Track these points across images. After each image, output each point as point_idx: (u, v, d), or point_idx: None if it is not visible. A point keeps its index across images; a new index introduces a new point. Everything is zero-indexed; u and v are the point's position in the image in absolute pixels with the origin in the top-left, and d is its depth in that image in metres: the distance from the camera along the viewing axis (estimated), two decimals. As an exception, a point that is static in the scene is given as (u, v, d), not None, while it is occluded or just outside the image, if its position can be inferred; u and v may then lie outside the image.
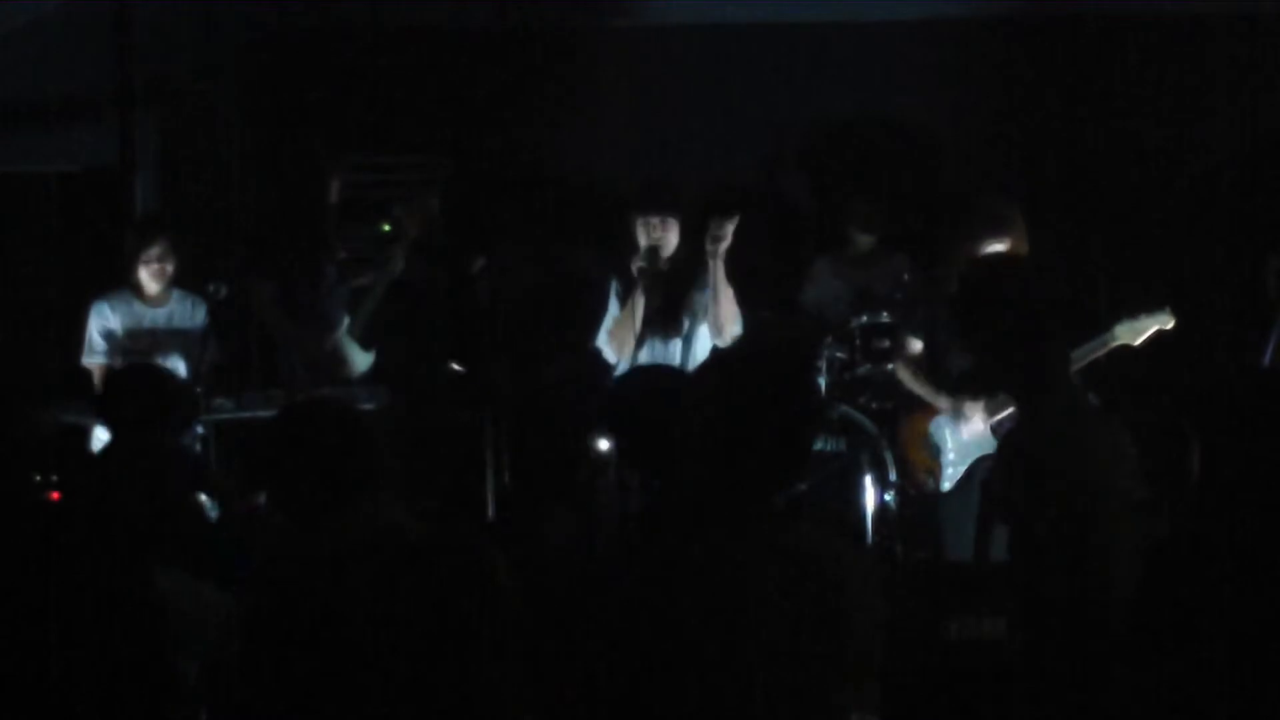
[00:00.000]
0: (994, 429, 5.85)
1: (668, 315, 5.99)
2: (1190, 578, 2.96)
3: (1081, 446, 3.92)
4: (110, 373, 6.03)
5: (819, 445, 6.79)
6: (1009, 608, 4.24)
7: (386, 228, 7.48)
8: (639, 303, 5.94)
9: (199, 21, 7.69)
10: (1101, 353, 5.74)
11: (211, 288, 6.19)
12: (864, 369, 7.11)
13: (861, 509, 6.66)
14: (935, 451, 5.95)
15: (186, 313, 6.34)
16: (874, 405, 6.96)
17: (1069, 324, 3.92)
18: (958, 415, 5.89)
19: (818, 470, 6.64)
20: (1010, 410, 5.79)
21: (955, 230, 5.89)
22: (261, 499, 5.17)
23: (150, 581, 3.09)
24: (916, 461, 6.08)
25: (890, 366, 6.81)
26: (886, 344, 6.83)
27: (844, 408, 6.96)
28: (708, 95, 7.93)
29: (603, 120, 7.91)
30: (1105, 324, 5.73)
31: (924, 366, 6.06)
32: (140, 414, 5.11)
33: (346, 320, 6.76)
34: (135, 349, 6.27)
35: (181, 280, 6.39)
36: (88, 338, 6.26)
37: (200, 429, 6.10)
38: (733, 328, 6.06)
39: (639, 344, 5.96)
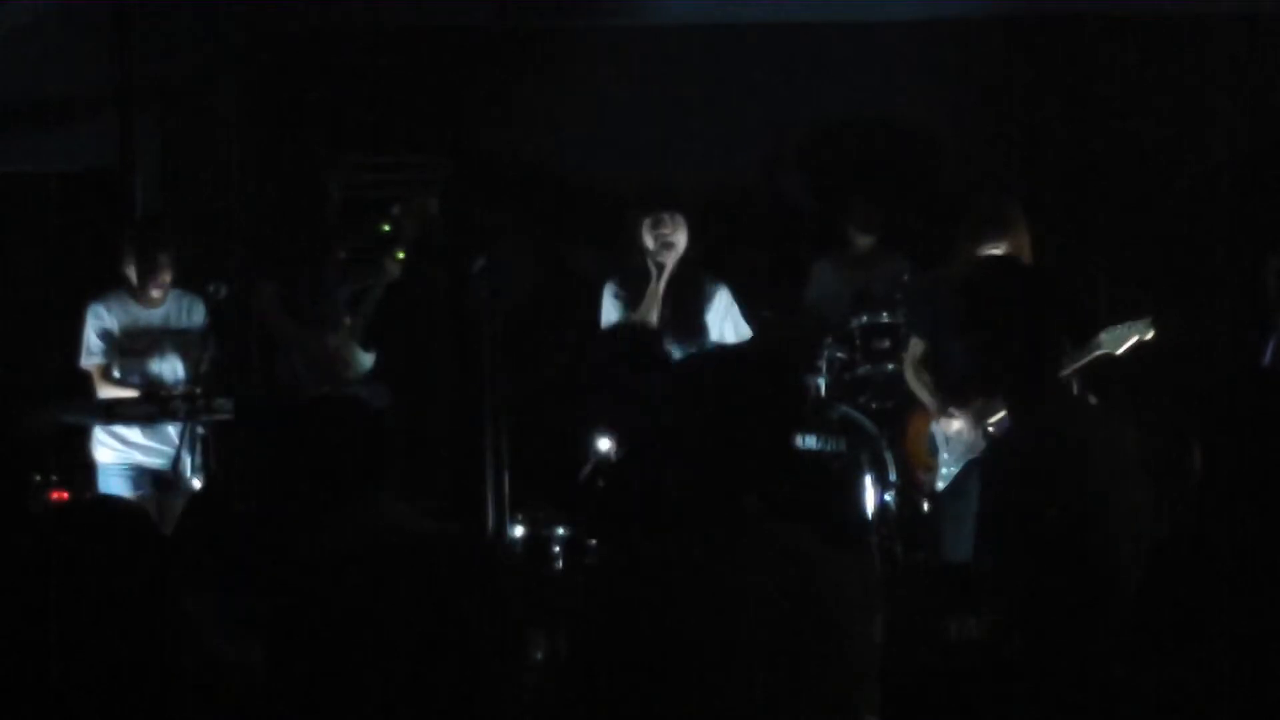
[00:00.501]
0: (989, 429, 5.86)
1: (686, 317, 5.96)
2: (1190, 578, 2.96)
3: (1078, 449, 3.91)
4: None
5: (819, 445, 6.79)
6: (1007, 609, 4.23)
7: (386, 228, 7.47)
8: (655, 301, 5.90)
9: (199, 21, 7.69)
10: (1085, 361, 5.75)
11: (211, 288, 6.19)
12: (864, 369, 7.11)
13: (861, 509, 6.67)
14: (934, 449, 5.96)
15: (183, 313, 6.33)
16: (874, 405, 6.96)
17: (1067, 325, 3.90)
18: (946, 418, 5.90)
19: (817, 470, 6.63)
20: (1001, 412, 5.81)
21: (956, 230, 5.89)
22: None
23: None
24: (918, 460, 6.08)
25: (890, 367, 6.82)
26: (886, 344, 6.84)
27: (844, 408, 6.96)
28: (708, 95, 7.93)
29: (603, 120, 7.91)
30: (1091, 332, 5.75)
31: (927, 367, 6.07)
32: None
33: (347, 320, 6.76)
34: (132, 350, 6.27)
35: (181, 280, 6.39)
36: (85, 339, 6.26)
37: (200, 429, 6.10)
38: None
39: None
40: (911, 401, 6.17)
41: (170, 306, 6.33)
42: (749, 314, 6.27)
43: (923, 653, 4.47)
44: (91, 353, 6.26)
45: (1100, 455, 3.94)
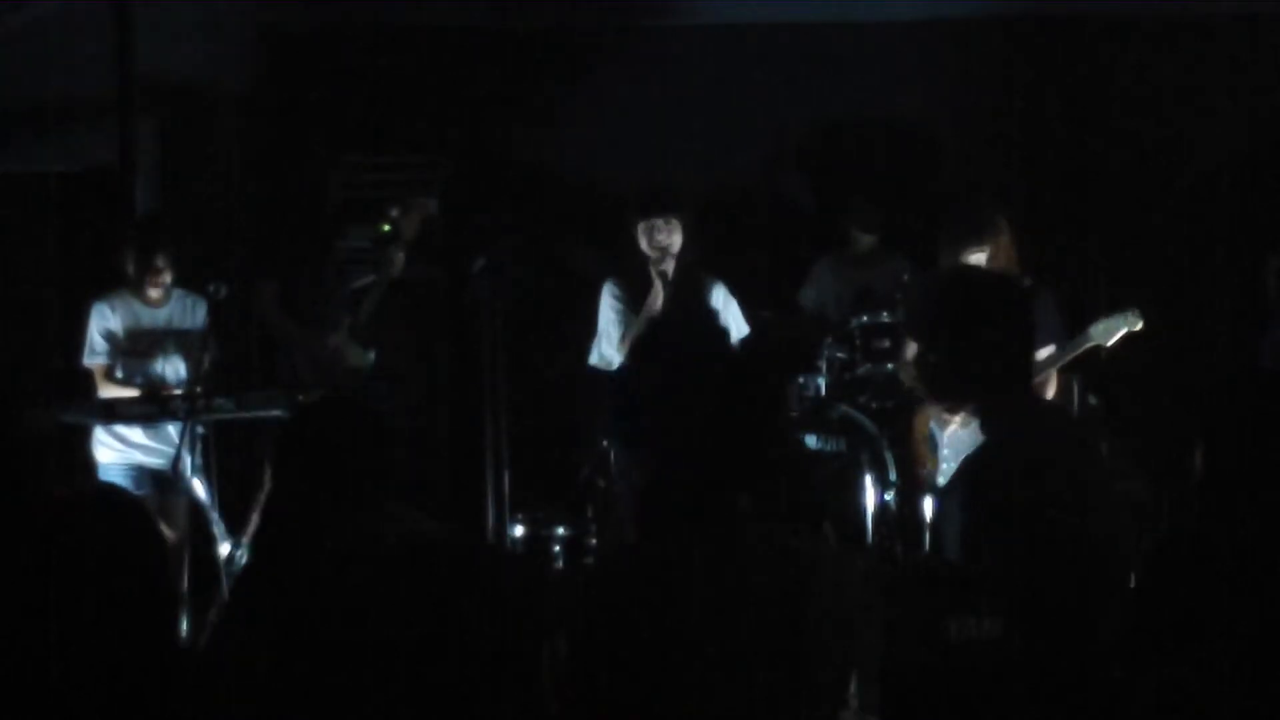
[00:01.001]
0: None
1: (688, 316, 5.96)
2: (1190, 578, 2.96)
3: (1050, 477, 3.80)
4: None
5: (819, 445, 6.80)
6: (1007, 609, 4.23)
7: (386, 228, 7.47)
8: (655, 305, 5.89)
9: (199, 21, 7.70)
10: (1078, 353, 5.78)
11: (212, 287, 6.19)
12: (864, 369, 7.11)
13: (861, 509, 6.67)
14: (934, 446, 5.98)
15: (187, 312, 6.34)
16: (874, 405, 6.96)
17: (1033, 336, 3.82)
18: (946, 414, 5.92)
19: (817, 470, 6.64)
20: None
21: (940, 236, 5.94)
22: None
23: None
24: (919, 456, 6.09)
25: (890, 366, 6.82)
26: (886, 344, 6.84)
27: (844, 408, 6.96)
28: (708, 95, 7.93)
29: (603, 120, 7.91)
30: (1081, 326, 5.78)
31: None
32: None
33: (347, 320, 6.77)
34: (136, 350, 6.28)
35: (182, 280, 6.39)
36: (88, 339, 6.26)
37: (201, 429, 6.10)
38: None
39: None
40: (911, 401, 6.19)
41: (174, 307, 6.33)
42: (749, 314, 6.26)
43: (923, 653, 4.46)
44: (95, 352, 6.26)
45: (1071, 465, 3.91)
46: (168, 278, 6.27)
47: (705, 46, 8.04)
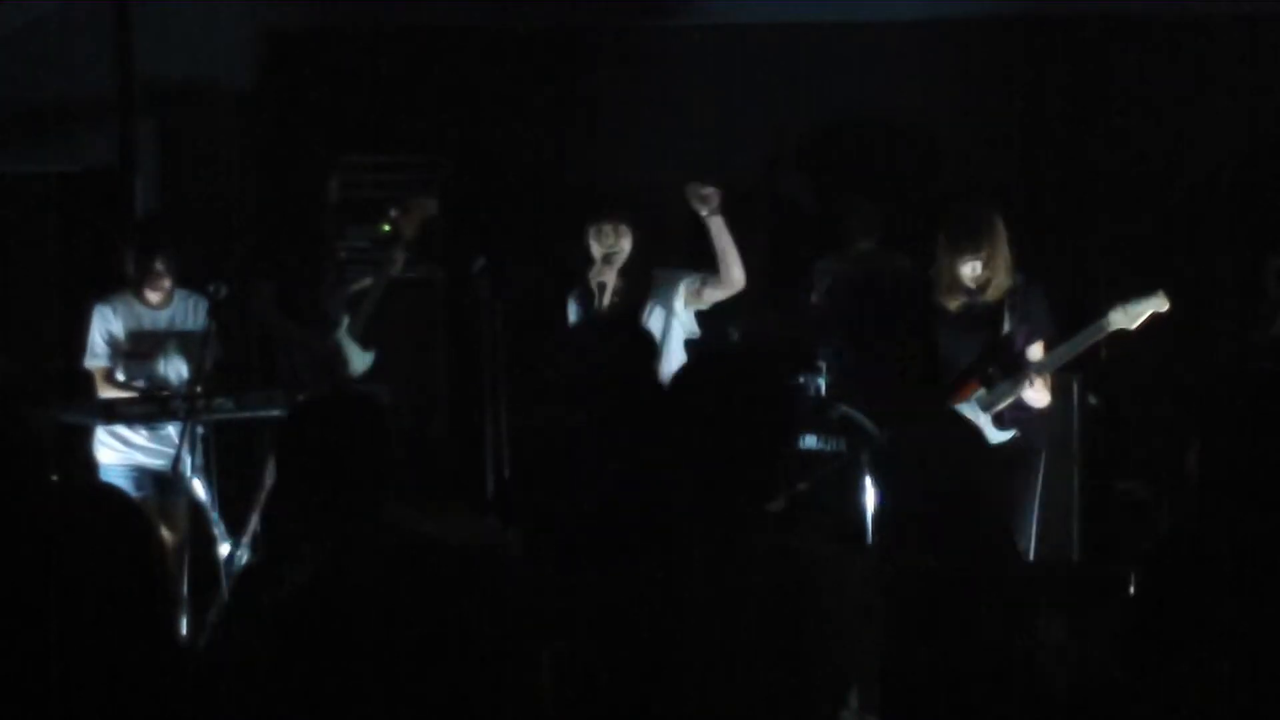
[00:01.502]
0: (996, 419, 5.89)
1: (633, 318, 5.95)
2: (1190, 578, 2.96)
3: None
4: None
5: (819, 445, 6.79)
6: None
7: (386, 228, 7.47)
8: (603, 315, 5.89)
9: (199, 21, 7.69)
10: (1098, 338, 5.78)
11: (212, 287, 6.19)
12: (865, 369, 7.11)
13: (861, 509, 6.66)
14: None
15: (189, 314, 6.34)
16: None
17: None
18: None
19: (818, 470, 6.63)
20: (1009, 400, 5.84)
21: (939, 239, 5.95)
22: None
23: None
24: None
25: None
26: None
27: (844, 408, 6.95)
28: (708, 95, 7.93)
29: (603, 120, 7.91)
30: (1100, 311, 5.77)
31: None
32: None
33: (346, 320, 6.77)
34: (137, 351, 6.28)
35: (183, 280, 6.39)
36: (90, 340, 6.26)
37: (201, 429, 6.10)
38: (739, 278, 5.99)
39: None
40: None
41: (176, 308, 6.33)
42: (748, 315, 6.26)
43: (923, 653, 4.46)
44: (95, 354, 6.26)
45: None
46: (168, 281, 6.27)
47: (705, 46, 8.03)
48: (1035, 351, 5.95)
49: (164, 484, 6.13)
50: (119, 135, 7.45)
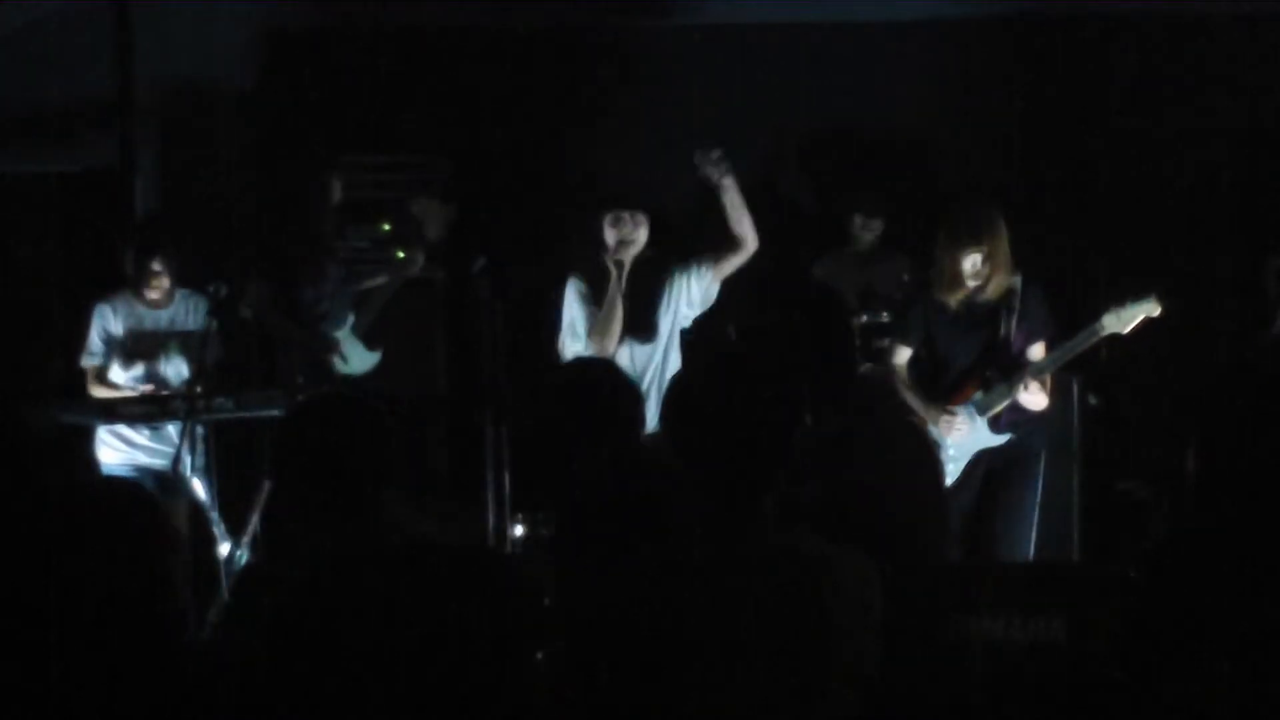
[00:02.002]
0: (993, 422, 5.89)
1: (644, 312, 5.96)
2: (1190, 578, 2.96)
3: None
4: None
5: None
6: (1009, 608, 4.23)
7: (386, 227, 7.47)
8: (618, 298, 5.90)
9: (199, 21, 7.69)
10: (1092, 343, 5.78)
11: (212, 287, 6.20)
12: (864, 369, 7.12)
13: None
14: (935, 448, 5.97)
15: (189, 313, 6.34)
16: (874, 405, 6.96)
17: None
18: (948, 417, 5.92)
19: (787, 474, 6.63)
20: (1008, 402, 5.84)
21: (939, 236, 5.96)
22: None
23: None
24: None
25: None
26: (886, 344, 6.84)
27: (844, 407, 6.96)
28: (708, 95, 7.93)
29: (603, 120, 7.91)
30: (1094, 315, 5.77)
31: (911, 372, 6.10)
32: None
33: (351, 319, 6.77)
34: (137, 351, 6.28)
35: (183, 281, 6.39)
36: (89, 339, 6.27)
37: (201, 429, 6.10)
38: (754, 238, 6.01)
39: (621, 340, 5.94)
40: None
41: (176, 308, 6.34)
42: (749, 314, 6.26)
43: (923, 653, 4.47)
44: (91, 353, 6.27)
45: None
46: (167, 280, 6.27)
47: (705, 46, 8.03)
48: (1035, 352, 5.95)
49: (164, 484, 6.13)
50: (119, 135, 7.45)
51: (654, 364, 5.93)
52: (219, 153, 7.89)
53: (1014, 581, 4.85)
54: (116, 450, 6.24)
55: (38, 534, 2.78)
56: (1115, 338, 5.76)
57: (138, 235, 6.46)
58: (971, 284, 5.89)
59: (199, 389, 5.99)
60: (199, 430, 6.09)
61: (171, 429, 6.15)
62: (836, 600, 2.74)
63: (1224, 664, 2.87)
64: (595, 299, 5.97)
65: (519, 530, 6.66)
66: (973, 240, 5.83)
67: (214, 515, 6.09)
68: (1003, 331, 5.90)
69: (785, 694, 2.70)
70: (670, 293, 5.94)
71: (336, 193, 7.13)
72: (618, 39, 8.03)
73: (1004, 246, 5.85)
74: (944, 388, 6.00)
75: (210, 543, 6.06)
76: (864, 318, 7.18)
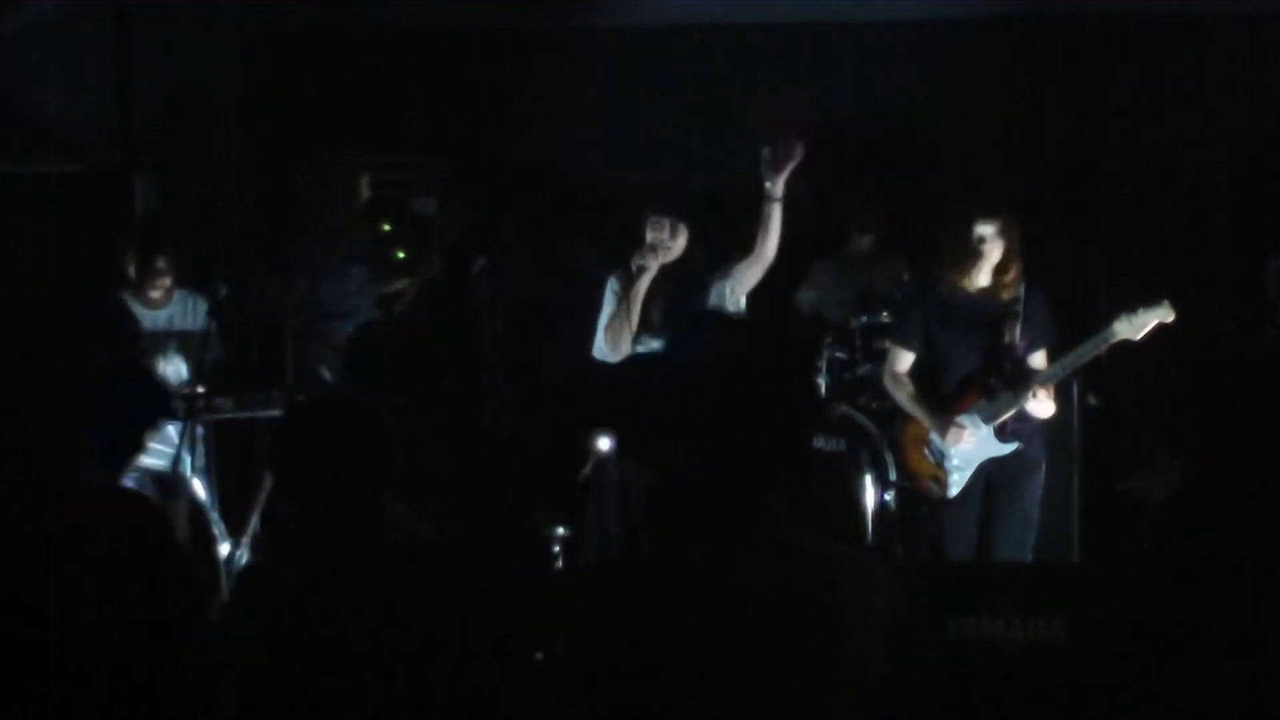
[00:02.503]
0: (998, 431, 5.86)
1: (664, 317, 5.95)
2: (1190, 577, 2.96)
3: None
4: None
5: (819, 445, 6.79)
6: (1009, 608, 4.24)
7: (386, 228, 7.47)
8: (637, 299, 5.90)
9: (199, 21, 7.69)
10: (1102, 349, 5.76)
11: (212, 287, 6.20)
12: (864, 369, 7.12)
13: (861, 509, 6.67)
14: (939, 457, 5.95)
15: (189, 312, 6.35)
16: (874, 405, 6.96)
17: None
18: (955, 427, 5.89)
19: (818, 470, 6.64)
20: (1012, 411, 5.82)
21: (940, 239, 5.95)
22: None
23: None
24: (920, 469, 6.06)
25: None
26: (887, 344, 6.84)
27: (844, 408, 6.96)
28: (708, 95, 7.93)
29: (603, 120, 7.91)
30: (1104, 321, 5.75)
31: (913, 379, 6.08)
32: None
33: (374, 319, 6.79)
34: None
35: (182, 280, 6.39)
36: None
37: (201, 429, 6.11)
38: (773, 252, 6.01)
39: (634, 341, 5.94)
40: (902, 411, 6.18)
41: (175, 308, 6.34)
42: (749, 314, 6.24)
43: (923, 653, 4.47)
44: (92, 353, 6.27)
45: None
46: (168, 280, 6.28)
47: (705, 46, 8.03)
48: (1038, 359, 5.91)
49: (164, 484, 6.13)
50: (119, 135, 7.45)
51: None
52: (219, 153, 7.88)
53: (1014, 581, 4.87)
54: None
55: (42, 537, 2.78)
56: (1126, 343, 5.73)
57: (139, 235, 6.47)
58: (980, 259, 5.81)
59: (199, 389, 5.99)
60: (199, 430, 6.08)
61: (171, 429, 6.15)
62: (839, 599, 2.74)
63: (1224, 664, 2.87)
64: (624, 297, 5.99)
65: (519, 530, 6.67)
66: (987, 210, 5.80)
67: (214, 515, 6.09)
68: (1007, 338, 5.86)
69: (787, 694, 2.70)
70: (711, 300, 5.94)
71: (365, 190, 7.14)
72: (618, 39, 8.03)
73: (1015, 236, 5.83)
74: (946, 395, 5.97)
75: (210, 543, 6.06)
76: (864, 318, 7.18)
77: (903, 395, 6.06)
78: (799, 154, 5.84)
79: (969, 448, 5.87)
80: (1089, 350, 5.75)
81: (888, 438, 6.70)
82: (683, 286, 5.94)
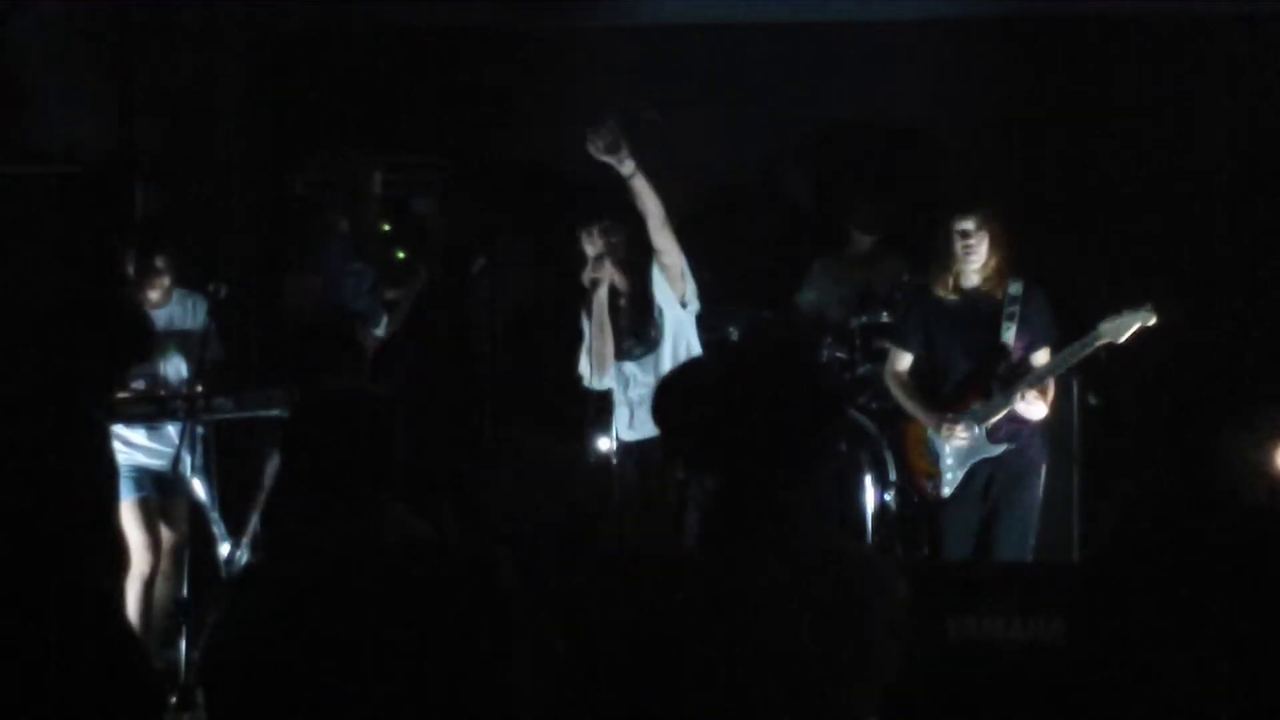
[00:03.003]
0: (990, 432, 5.87)
1: (634, 325, 5.90)
2: (1190, 577, 2.96)
3: None
4: None
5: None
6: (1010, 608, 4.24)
7: (386, 228, 7.47)
8: (604, 314, 5.85)
9: (199, 21, 7.69)
10: (1088, 352, 5.78)
11: (212, 287, 6.19)
12: (864, 369, 7.12)
13: (861, 509, 6.67)
14: (935, 456, 5.97)
15: (188, 313, 6.34)
16: (874, 405, 6.96)
17: None
18: (948, 425, 5.91)
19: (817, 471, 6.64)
20: (1005, 412, 5.83)
21: (932, 240, 5.97)
22: None
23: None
24: (918, 468, 6.08)
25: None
26: (886, 344, 6.85)
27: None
28: (707, 95, 7.93)
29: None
30: (1090, 323, 5.77)
31: (913, 379, 6.10)
32: None
33: (385, 320, 6.80)
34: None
35: (182, 280, 6.39)
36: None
37: (201, 429, 6.10)
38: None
39: (617, 357, 5.89)
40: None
41: (174, 307, 6.34)
42: (748, 314, 6.25)
43: (922, 653, 4.47)
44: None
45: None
46: (167, 279, 6.27)
47: (705, 46, 8.03)
48: (1039, 359, 5.92)
49: (164, 484, 6.13)
50: (119, 135, 7.45)
51: (650, 372, 5.85)
52: (219, 153, 7.88)
53: (1014, 581, 4.87)
54: (115, 451, 6.22)
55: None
56: (1110, 345, 5.75)
57: (138, 234, 6.47)
58: (964, 257, 5.83)
59: (199, 389, 5.98)
60: (199, 430, 6.08)
61: (171, 429, 6.15)
62: (860, 599, 2.74)
63: (1224, 664, 2.87)
64: (586, 310, 5.93)
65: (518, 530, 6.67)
66: (966, 203, 5.83)
67: (214, 515, 6.08)
68: (1002, 338, 5.86)
69: (806, 693, 2.69)
70: (656, 300, 5.88)
71: (377, 185, 7.15)
72: (618, 39, 8.03)
73: (999, 229, 5.84)
74: (944, 395, 5.98)
75: (210, 543, 6.06)
76: (864, 318, 7.18)
77: (902, 395, 6.09)
78: (616, 130, 5.75)
79: (961, 447, 5.90)
80: (1075, 353, 5.78)
81: (888, 438, 6.70)
82: (632, 288, 5.86)
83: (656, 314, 5.86)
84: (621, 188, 5.86)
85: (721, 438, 2.84)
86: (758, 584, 2.71)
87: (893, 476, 6.66)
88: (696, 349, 5.91)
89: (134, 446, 6.24)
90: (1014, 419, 5.85)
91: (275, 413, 5.83)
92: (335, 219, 7.12)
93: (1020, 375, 5.83)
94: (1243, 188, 7.86)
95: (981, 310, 5.91)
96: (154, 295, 6.27)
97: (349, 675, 2.96)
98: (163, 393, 6.15)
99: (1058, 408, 6.21)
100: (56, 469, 3.07)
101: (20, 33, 7.50)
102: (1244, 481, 3.02)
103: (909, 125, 8.05)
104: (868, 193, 7.77)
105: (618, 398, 5.97)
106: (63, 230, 7.83)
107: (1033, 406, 5.82)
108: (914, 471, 6.11)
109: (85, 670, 2.72)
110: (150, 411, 6.04)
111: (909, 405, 6.05)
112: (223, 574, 5.91)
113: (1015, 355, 5.87)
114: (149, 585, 6.14)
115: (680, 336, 5.90)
